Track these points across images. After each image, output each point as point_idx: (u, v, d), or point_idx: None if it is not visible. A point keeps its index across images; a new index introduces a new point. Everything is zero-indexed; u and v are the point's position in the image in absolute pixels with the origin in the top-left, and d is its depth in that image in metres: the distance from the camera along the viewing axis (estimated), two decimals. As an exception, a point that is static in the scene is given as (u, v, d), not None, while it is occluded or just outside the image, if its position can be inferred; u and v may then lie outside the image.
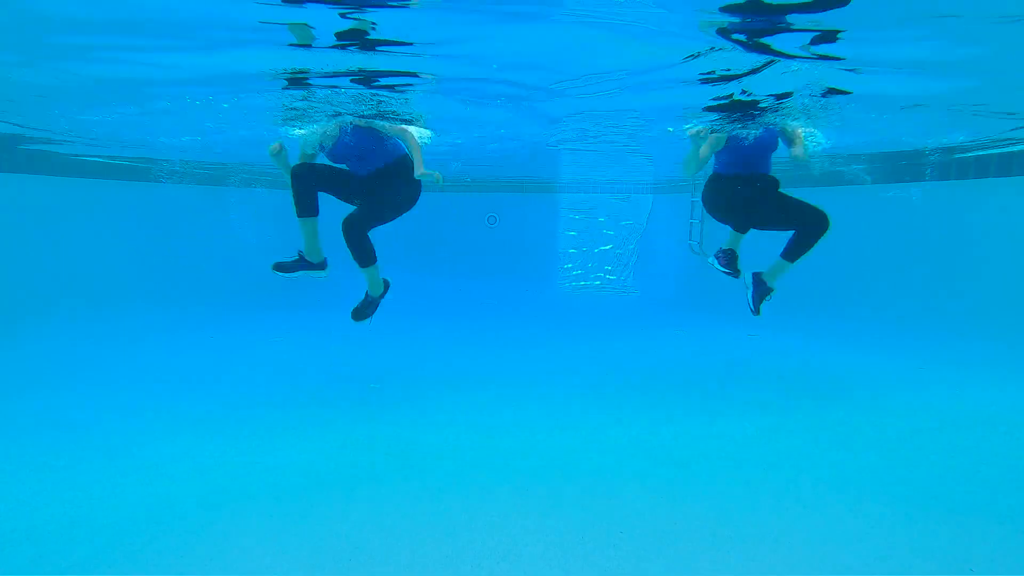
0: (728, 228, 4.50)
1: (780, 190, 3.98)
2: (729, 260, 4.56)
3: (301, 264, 3.84)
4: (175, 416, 3.75)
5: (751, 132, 4.04)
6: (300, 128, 4.68)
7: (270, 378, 4.66)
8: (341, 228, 3.66)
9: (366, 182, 3.77)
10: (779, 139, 4.10)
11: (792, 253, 4.01)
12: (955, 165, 6.16)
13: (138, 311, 6.95)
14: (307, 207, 3.62)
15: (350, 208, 3.75)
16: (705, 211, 4.33)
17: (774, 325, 6.71)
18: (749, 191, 3.98)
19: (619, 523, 2.44)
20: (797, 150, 3.92)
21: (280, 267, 3.80)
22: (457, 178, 9.83)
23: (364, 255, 3.79)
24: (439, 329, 5.61)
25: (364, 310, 4.08)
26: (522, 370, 5.00)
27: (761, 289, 4.37)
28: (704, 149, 3.82)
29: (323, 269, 3.95)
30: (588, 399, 4.20)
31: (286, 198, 3.74)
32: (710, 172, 4.37)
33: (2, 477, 2.84)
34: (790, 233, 3.93)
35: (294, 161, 3.72)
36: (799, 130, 4.19)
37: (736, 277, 4.55)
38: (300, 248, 3.82)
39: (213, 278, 8.48)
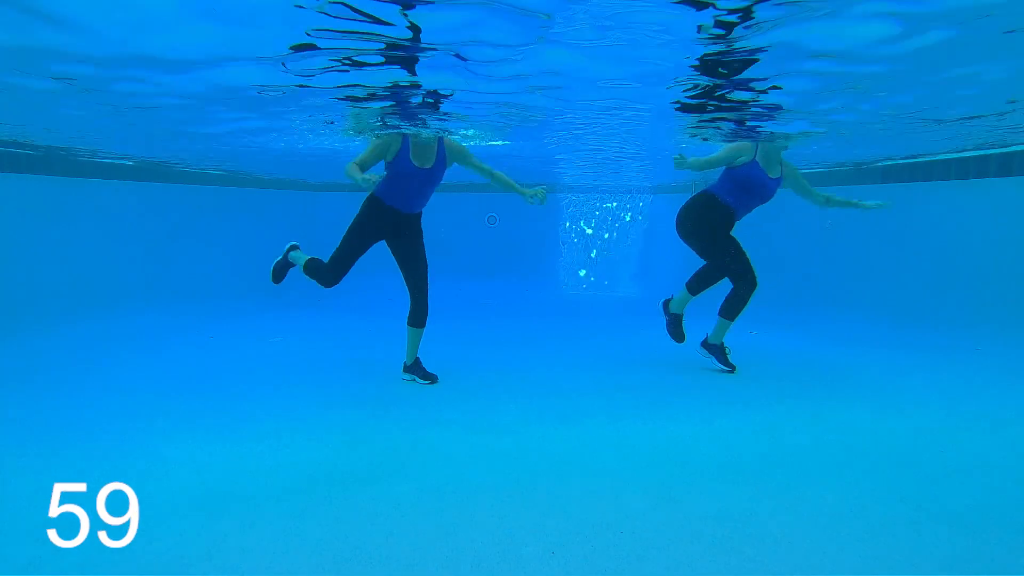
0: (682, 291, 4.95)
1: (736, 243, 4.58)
2: (675, 327, 5.10)
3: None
4: (173, 416, 3.75)
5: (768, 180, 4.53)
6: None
7: (268, 378, 4.66)
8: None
9: (406, 222, 4.27)
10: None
11: (730, 311, 4.68)
12: (955, 165, 6.16)
13: (137, 311, 6.96)
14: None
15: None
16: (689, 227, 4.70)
17: (775, 323, 6.72)
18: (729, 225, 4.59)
19: (619, 523, 2.44)
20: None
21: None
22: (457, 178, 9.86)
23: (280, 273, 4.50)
24: (438, 329, 5.60)
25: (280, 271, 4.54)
26: (520, 370, 4.99)
27: (716, 349, 4.91)
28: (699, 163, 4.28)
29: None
30: (587, 398, 4.19)
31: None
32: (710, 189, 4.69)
33: (1, 477, 2.85)
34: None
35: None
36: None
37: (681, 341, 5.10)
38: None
39: (213, 278, 8.48)
